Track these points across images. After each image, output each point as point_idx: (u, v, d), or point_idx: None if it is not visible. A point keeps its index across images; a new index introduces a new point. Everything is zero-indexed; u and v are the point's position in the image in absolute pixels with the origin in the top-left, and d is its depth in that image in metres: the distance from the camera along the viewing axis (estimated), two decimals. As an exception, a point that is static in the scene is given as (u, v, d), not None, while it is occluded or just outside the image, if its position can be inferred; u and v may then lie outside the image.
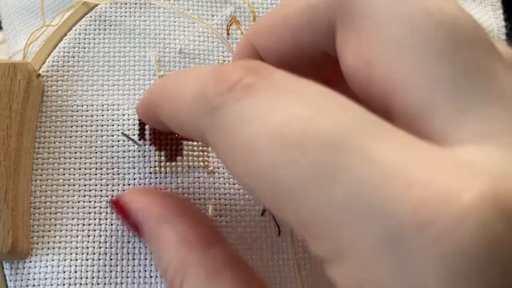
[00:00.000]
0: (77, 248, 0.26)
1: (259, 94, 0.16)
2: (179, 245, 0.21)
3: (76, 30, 0.29)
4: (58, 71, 0.28)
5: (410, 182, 0.13)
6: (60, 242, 0.26)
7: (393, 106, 0.17)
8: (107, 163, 0.27)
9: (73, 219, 0.27)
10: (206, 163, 0.28)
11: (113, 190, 0.27)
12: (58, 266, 0.26)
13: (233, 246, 0.24)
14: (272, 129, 0.15)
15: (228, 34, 0.31)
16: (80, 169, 0.27)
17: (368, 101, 0.18)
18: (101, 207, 0.27)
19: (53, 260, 0.26)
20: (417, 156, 0.14)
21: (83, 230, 0.26)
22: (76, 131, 0.28)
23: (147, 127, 0.28)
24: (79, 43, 0.29)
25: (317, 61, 0.21)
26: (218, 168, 0.28)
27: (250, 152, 0.16)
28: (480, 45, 0.16)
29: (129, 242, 0.26)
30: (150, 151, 0.28)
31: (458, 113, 0.15)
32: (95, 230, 0.26)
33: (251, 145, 0.16)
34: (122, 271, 0.26)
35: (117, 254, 0.26)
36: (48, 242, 0.26)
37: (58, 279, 0.26)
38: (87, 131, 0.28)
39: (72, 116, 0.28)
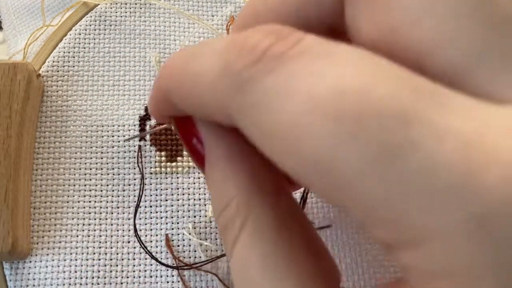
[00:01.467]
0: (77, 248, 0.26)
1: (296, 62, 0.14)
2: (248, 182, 0.18)
3: (76, 30, 0.29)
4: (58, 71, 0.28)
5: (493, 152, 0.12)
6: (60, 242, 0.26)
7: (428, 69, 0.15)
8: (107, 164, 0.27)
9: (73, 219, 0.27)
10: None
11: (113, 190, 0.27)
12: (58, 266, 0.26)
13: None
14: (321, 103, 0.13)
15: (228, 34, 0.31)
16: (80, 169, 0.27)
17: None
18: (101, 207, 0.27)
19: (53, 260, 0.26)
20: (488, 120, 0.13)
21: (83, 230, 0.26)
22: (76, 131, 0.28)
23: (147, 128, 0.28)
24: (79, 43, 0.29)
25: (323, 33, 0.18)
26: (218, 168, 0.28)
27: (295, 133, 0.14)
28: None
29: (129, 242, 0.26)
30: (150, 151, 0.28)
31: (502, 70, 0.14)
32: (95, 230, 0.26)
33: (296, 123, 0.13)
34: (122, 271, 0.26)
35: (117, 254, 0.26)
36: (48, 242, 0.26)
37: (58, 279, 0.26)
38: (87, 132, 0.28)
39: (72, 116, 0.28)
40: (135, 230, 0.27)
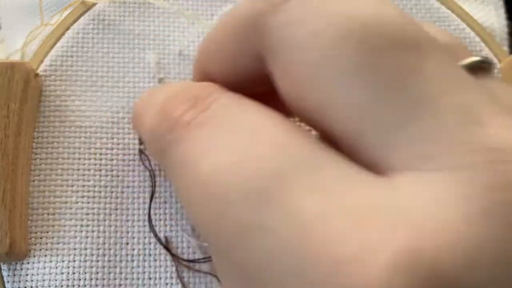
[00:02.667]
0: (75, 249, 0.26)
1: (196, 133, 0.16)
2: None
3: (74, 30, 0.29)
4: (56, 71, 0.28)
5: (326, 239, 0.12)
6: (58, 244, 0.26)
7: (328, 132, 0.15)
8: (106, 165, 0.27)
9: (71, 220, 0.26)
10: None
11: (111, 192, 0.27)
12: (56, 268, 0.26)
13: None
14: (201, 179, 0.15)
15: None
16: (78, 170, 0.27)
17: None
18: (99, 209, 0.27)
19: (51, 262, 0.26)
20: (342, 201, 0.13)
21: (81, 232, 0.26)
22: (75, 132, 0.27)
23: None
24: (78, 43, 0.29)
25: (261, 80, 0.19)
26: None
27: (186, 201, 0.16)
28: (400, 46, 0.14)
29: (127, 243, 0.26)
30: (149, 154, 0.28)
31: (389, 134, 0.14)
32: (93, 232, 0.26)
33: (186, 194, 0.15)
34: (121, 273, 0.26)
35: (115, 255, 0.26)
36: (46, 243, 0.26)
37: (56, 280, 0.25)
38: (86, 133, 0.28)
39: (71, 117, 0.28)
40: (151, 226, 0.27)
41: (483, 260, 0.11)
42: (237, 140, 0.15)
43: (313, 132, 0.17)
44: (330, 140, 0.15)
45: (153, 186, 0.27)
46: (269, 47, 0.16)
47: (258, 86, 0.18)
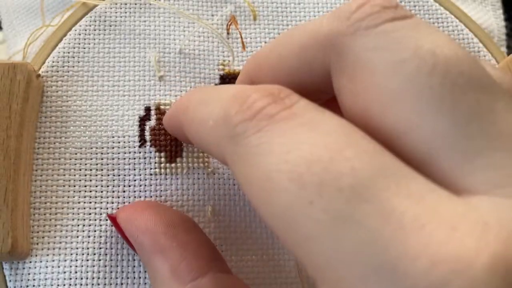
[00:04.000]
0: (77, 248, 0.26)
1: (281, 126, 0.16)
2: (171, 279, 0.22)
3: (76, 31, 0.29)
4: (58, 72, 0.28)
5: (426, 240, 0.13)
6: (60, 243, 0.26)
7: (397, 153, 0.16)
8: (107, 164, 0.27)
9: (73, 219, 0.27)
10: (206, 164, 0.28)
11: (113, 191, 0.27)
12: (58, 267, 0.26)
13: (230, 269, 0.24)
14: (290, 168, 0.15)
15: (228, 33, 0.31)
16: (80, 170, 0.27)
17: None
18: (101, 208, 0.27)
19: (53, 261, 0.26)
20: (435, 209, 0.14)
21: (83, 231, 0.26)
22: (76, 132, 0.28)
23: (147, 128, 0.28)
24: (79, 44, 0.29)
25: (314, 96, 0.20)
26: (218, 169, 0.28)
27: (266, 188, 0.15)
28: (476, 85, 0.16)
29: (129, 243, 0.26)
30: (150, 152, 0.28)
31: (464, 160, 0.15)
32: (95, 231, 0.26)
33: (268, 181, 0.15)
34: (122, 272, 0.26)
35: (117, 255, 0.26)
36: (48, 243, 0.26)
37: (58, 279, 0.26)
38: (87, 132, 0.28)
39: (72, 116, 0.28)
40: None
41: None
42: (326, 140, 0.15)
43: None
44: None
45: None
46: (344, 66, 0.18)
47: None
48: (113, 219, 0.25)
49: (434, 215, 0.13)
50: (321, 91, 0.20)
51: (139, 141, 0.28)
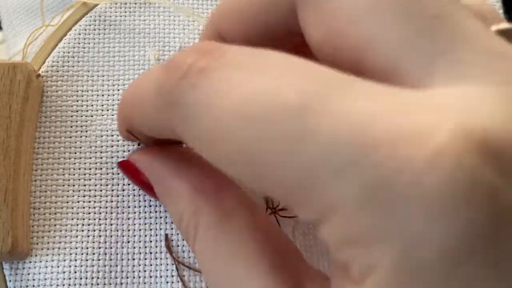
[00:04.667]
0: (76, 248, 0.26)
1: (214, 75, 0.16)
2: (191, 193, 0.21)
3: (76, 30, 0.29)
4: (58, 71, 0.28)
5: (382, 129, 0.13)
6: (59, 243, 0.26)
7: (365, 69, 0.16)
8: (106, 163, 0.27)
9: (72, 219, 0.27)
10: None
11: (112, 190, 0.27)
12: (58, 267, 0.26)
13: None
14: (235, 109, 0.15)
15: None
16: (79, 169, 0.27)
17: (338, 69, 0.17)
18: (100, 207, 0.27)
19: (52, 261, 0.26)
20: (388, 102, 0.14)
21: (82, 230, 0.26)
22: (76, 131, 0.28)
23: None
24: (79, 43, 0.29)
25: (283, 39, 0.20)
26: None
27: (218, 137, 0.15)
28: None
29: (128, 242, 0.26)
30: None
31: (427, 60, 0.15)
32: (94, 230, 0.26)
33: (218, 129, 0.15)
34: (122, 271, 0.26)
35: (116, 254, 0.26)
36: (48, 243, 0.26)
37: (57, 279, 0.26)
38: (86, 131, 0.28)
39: (72, 116, 0.28)
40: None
41: None
42: (269, 69, 0.15)
43: None
44: None
45: None
46: None
47: (279, 46, 0.19)
48: (122, 164, 0.25)
49: (388, 106, 0.14)
50: (291, 33, 0.20)
51: (139, 142, 0.28)
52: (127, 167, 0.25)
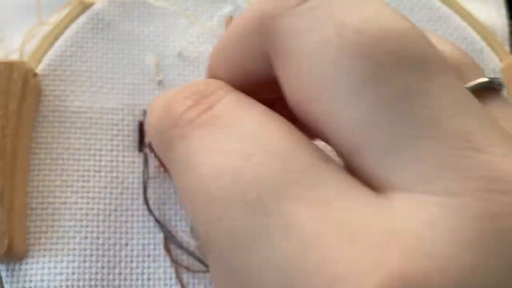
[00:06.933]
0: (74, 249, 0.26)
1: (199, 133, 0.16)
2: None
3: (73, 29, 0.29)
4: (55, 71, 0.28)
5: (323, 256, 0.12)
6: (57, 244, 0.26)
7: (330, 142, 0.15)
8: (106, 166, 0.27)
9: (70, 220, 0.26)
10: None
11: (111, 193, 0.27)
12: (55, 268, 0.26)
13: None
14: (202, 181, 0.15)
15: (228, 33, 0.30)
16: (78, 171, 0.27)
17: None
18: (99, 209, 0.27)
19: (50, 262, 0.26)
20: (339, 218, 0.13)
21: (80, 232, 0.26)
22: (75, 133, 0.27)
23: (146, 133, 0.28)
24: (77, 42, 0.29)
25: (269, 86, 0.19)
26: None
27: (187, 200, 0.16)
28: (408, 65, 0.14)
29: (127, 244, 0.26)
30: (150, 157, 0.28)
31: (390, 152, 0.14)
32: (93, 232, 0.26)
33: (188, 193, 0.15)
34: (120, 274, 0.26)
35: (115, 256, 0.26)
36: (45, 244, 0.26)
37: (55, 281, 0.25)
38: (86, 134, 0.27)
39: (70, 117, 0.28)
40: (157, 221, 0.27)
41: (470, 286, 0.12)
42: (239, 144, 0.15)
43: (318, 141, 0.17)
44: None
45: (146, 167, 0.27)
46: (277, 50, 0.16)
47: (265, 92, 0.18)
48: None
49: (336, 226, 0.13)
50: (267, 79, 0.18)
51: (139, 146, 0.28)
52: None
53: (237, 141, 0.15)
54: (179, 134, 0.16)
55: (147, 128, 0.21)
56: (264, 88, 0.18)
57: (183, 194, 0.16)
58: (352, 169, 0.15)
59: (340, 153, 0.15)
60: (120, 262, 0.26)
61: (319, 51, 0.15)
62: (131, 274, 0.26)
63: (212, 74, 0.21)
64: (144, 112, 0.28)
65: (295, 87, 0.16)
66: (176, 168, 0.16)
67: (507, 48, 0.32)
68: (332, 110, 0.14)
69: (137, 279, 0.26)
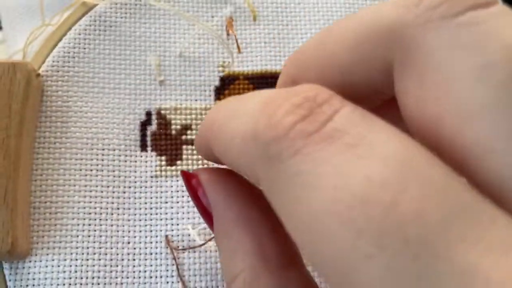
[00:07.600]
0: (77, 248, 0.26)
1: (322, 149, 0.13)
2: (254, 257, 0.18)
3: (76, 30, 0.29)
4: (58, 71, 0.28)
5: None
6: (60, 242, 0.26)
7: (472, 173, 0.13)
8: (108, 165, 0.27)
9: (73, 219, 0.27)
10: (205, 166, 0.28)
11: (113, 192, 0.27)
12: (58, 266, 0.26)
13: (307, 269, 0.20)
14: (342, 209, 0.12)
15: (228, 34, 0.31)
16: (81, 170, 0.27)
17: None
18: (101, 208, 0.27)
19: (53, 260, 0.26)
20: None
21: (83, 230, 0.26)
22: (77, 133, 0.28)
23: (148, 133, 0.28)
24: (79, 43, 0.29)
25: (370, 97, 0.17)
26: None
27: (313, 230, 0.13)
28: None
29: (129, 243, 0.26)
30: (151, 156, 0.28)
31: None
32: (95, 231, 0.26)
33: (315, 222, 0.13)
34: (123, 271, 0.26)
35: (117, 254, 0.26)
36: (48, 242, 0.26)
37: (58, 279, 0.26)
38: (88, 134, 0.28)
39: (73, 117, 0.28)
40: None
41: None
42: (383, 172, 0.12)
43: None
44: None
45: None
46: (409, 65, 0.15)
47: (364, 103, 0.16)
48: (189, 178, 0.21)
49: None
50: (378, 92, 0.17)
51: (141, 146, 0.28)
52: (189, 181, 0.21)
53: (378, 164, 0.12)
54: (291, 147, 0.13)
55: (213, 138, 0.18)
56: (364, 99, 0.16)
57: (297, 222, 0.13)
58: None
59: (483, 188, 0.13)
60: (122, 260, 0.26)
61: (482, 75, 0.13)
62: (133, 271, 0.26)
63: (290, 80, 0.18)
64: (148, 113, 0.28)
65: (433, 110, 0.14)
66: (284, 188, 0.13)
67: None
68: (493, 141, 0.13)
69: (139, 277, 0.26)
